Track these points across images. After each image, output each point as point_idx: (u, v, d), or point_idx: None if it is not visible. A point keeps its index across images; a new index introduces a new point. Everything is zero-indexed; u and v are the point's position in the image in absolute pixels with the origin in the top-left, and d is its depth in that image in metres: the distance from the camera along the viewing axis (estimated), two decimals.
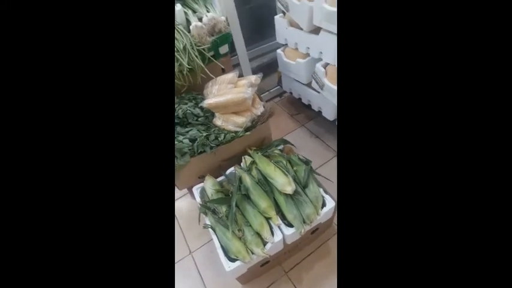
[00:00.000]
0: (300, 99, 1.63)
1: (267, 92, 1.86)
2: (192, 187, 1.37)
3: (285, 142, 1.20)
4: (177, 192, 1.46)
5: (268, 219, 0.96)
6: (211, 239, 1.28)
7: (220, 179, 1.14)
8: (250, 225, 0.94)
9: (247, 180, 1.03)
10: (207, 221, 1.00)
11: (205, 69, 1.25)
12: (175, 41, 1.19)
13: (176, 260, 1.23)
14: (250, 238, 0.91)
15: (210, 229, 0.98)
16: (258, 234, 0.93)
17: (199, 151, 1.08)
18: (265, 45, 1.91)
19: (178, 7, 1.24)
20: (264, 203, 0.96)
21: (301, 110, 1.77)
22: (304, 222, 0.94)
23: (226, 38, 1.32)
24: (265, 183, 1.01)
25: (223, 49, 1.37)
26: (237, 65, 1.63)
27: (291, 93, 1.69)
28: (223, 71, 1.42)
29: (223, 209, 0.98)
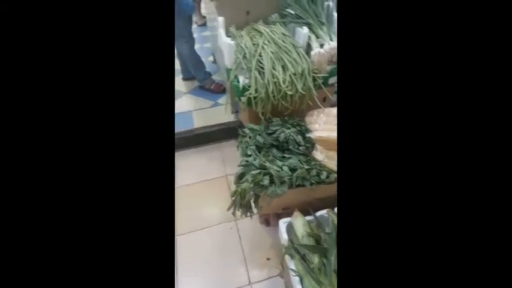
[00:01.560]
0: None
1: None
2: (267, 214, 1.28)
3: None
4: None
5: None
6: (276, 275, 1.18)
7: (308, 218, 1.03)
8: None
9: None
10: (292, 265, 0.90)
11: (315, 98, 1.19)
12: (295, 64, 1.15)
13: (232, 287, 1.14)
14: None
15: (296, 277, 0.87)
16: None
17: (297, 183, 1.00)
18: None
19: (305, 30, 1.20)
20: None
21: None
22: None
23: None
24: None
25: (332, 79, 1.30)
26: None
27: None
28: (324, 100, 1.35)
29: (315, 258, 0.87)
